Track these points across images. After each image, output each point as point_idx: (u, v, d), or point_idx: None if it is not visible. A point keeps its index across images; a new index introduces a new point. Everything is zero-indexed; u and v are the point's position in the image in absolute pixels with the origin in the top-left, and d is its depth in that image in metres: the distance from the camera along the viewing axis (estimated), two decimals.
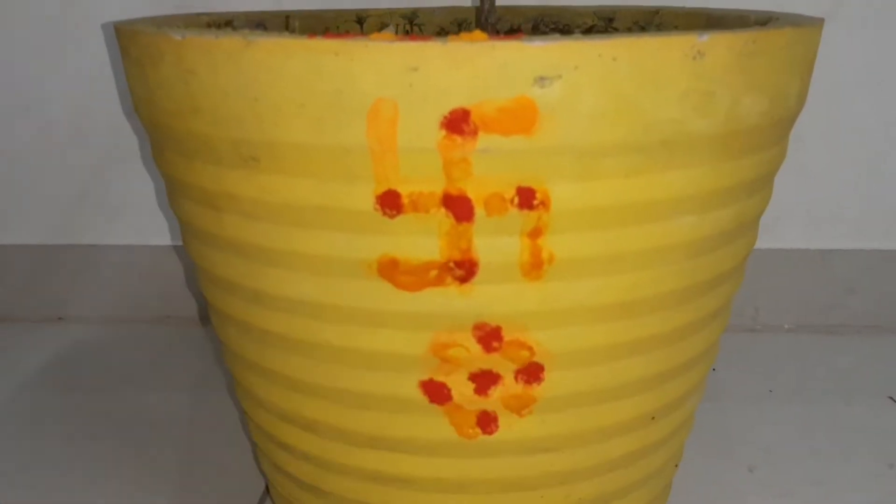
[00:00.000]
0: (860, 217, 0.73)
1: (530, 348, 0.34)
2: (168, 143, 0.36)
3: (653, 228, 0.33)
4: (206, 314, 0.77)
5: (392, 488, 0.37)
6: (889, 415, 0.61)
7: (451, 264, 0.32)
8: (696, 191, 0.33)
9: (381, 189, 0.31)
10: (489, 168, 0.30)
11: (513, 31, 0.58)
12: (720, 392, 0.63)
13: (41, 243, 0.76)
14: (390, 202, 0.31)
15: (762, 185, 0.37)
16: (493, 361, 0.34)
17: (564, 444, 0.36)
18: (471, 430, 0.35)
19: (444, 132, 0.29)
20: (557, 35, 0.29)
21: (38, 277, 0.77)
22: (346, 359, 0.35)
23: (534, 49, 0.28)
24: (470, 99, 0.29)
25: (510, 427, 0.35)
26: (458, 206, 0.31)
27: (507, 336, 0.33)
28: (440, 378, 0.34)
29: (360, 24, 0.57)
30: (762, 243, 0.69)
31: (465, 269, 0.32)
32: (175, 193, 0.39)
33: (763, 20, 0.41)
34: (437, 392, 0.34)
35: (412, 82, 0.29)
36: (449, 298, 0.32)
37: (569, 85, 0.29)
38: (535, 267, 0.32)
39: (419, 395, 0.35)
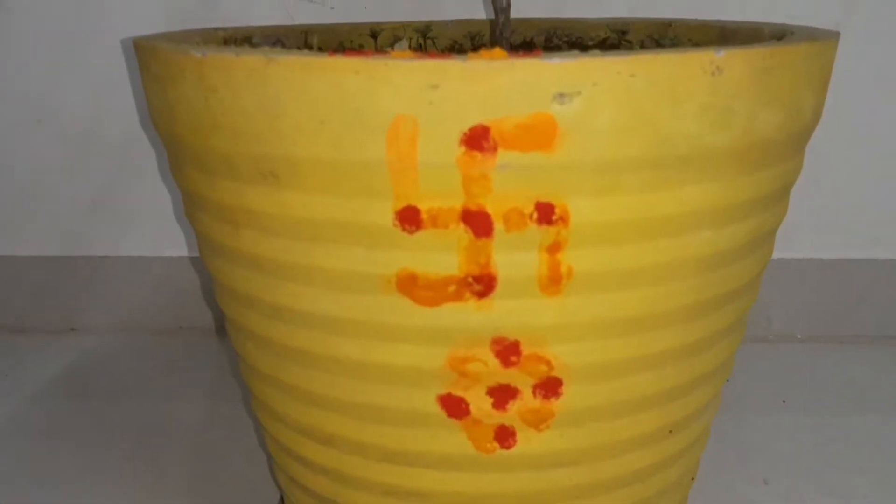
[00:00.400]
0: (872, 227, 0.73)
1: (548, 362, 0.34)
2: (186, 157, 0.37)
3: (670, 243, 0.33)
4: (221, 325, 0.77)
5: (409, 503, 0.37)
6: None
7: (470, 279, 0.32)
8: (713, 205, 0.33)
9: (401, 205, 0.31)
10: (508, 184, 0.30)
11: (526, 44, 0.58)
12: (734, 402, 0.63)
13: (54, 255, 0.77)
14: (410, 218, 0.31)
15: (778, 199, 0.37)
16: (511, 376, 0.34)
17: (582, 458, 0.36)
18: (489, 445, 0.35)
19: (463, 148, 0.29)
20: (576, 51, 0.30)
21: (52, 288, 0.78)
22: (365, 373, 0.35)
23: (553, 66, 0.28)
24: (489, 115, 0.29)
25: (528, 441, 0.35)
26: (478, 222, 0.31)
27: (526, 350, 0.33)
28: (458, 392, 0.34)
29: (374, 38, 0.57)
30: (774, 253, 0.69)
31: (483, 284, 0.32)
32: (193, 207, 0.39)
33: (778, 34, 0.41)
34: (455, 406, 0.34)
35: (432, 100, 0.29)
36: (467, 313, 0.32)
37: (588, 101, 0.29)
38: (553, 282, 0.32)
39: (437, 410, 0.35)
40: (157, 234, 0.76)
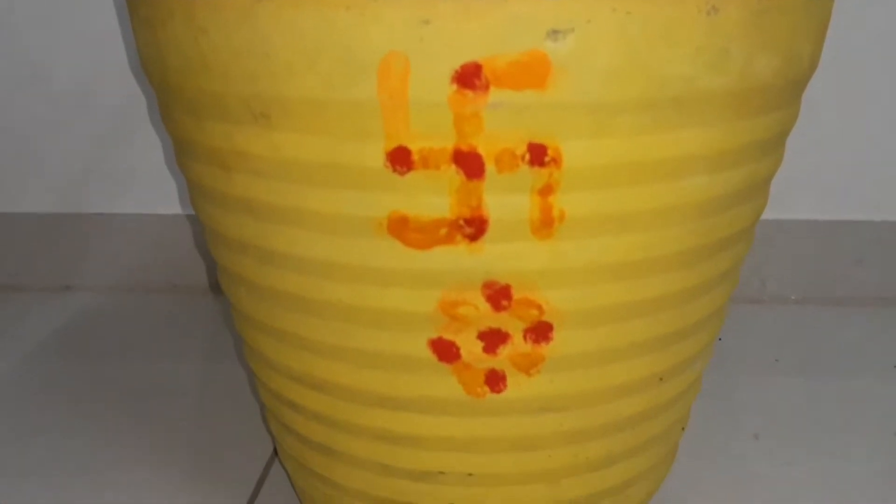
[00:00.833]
0: (869, 189, 0.72)
1: (539, 307, 0.34)
2: (177, 102, 0.36)
3: (664, 187, 0.33)
4: (215, 283, 0.77)
5: (400, 447, 0.38)
6: (895, 385, 0.61)
7: (461, 222, 0.32)
8: (709, 150, 0.33)
9: (392, 145, 0.31)
10: (500, 124, 0.30)
11: None
12: (726, 361, 0.63)
13: (49, 212, 0.77)
14: (401, 158, 0.31)
15: (774, 146, 0.37)
16: (501, 320, 0.34)
17: (573, 404, 0.36)
18: (479, 389, 0.35)
19: (455, 87, 0.29)
20: None
21: (46, 246, 0.78)
22: (356, 317, 0.35)
23: (547, 2, 0.28)
24: (482, 53, 0.28)
25: (518, 386, 0.35)
26: (469, 163, 0.30)
27: (517, 294, 0.33)
28: (449, 336, 0.34)
29: None
30: (770, 214, 0.69)
31: (474, 227, 0.32)
32: (183, 154, 0.39)
33: None
34: (445, 350, 0.35)
35: (423, 36, 0.28)
36: (458, 256, 0.32)
37: (582, 39, 0.28)
38: (545, 225, 0.32)
39: (428, 354, 0.35)
40: (153, 192, 0.76)
